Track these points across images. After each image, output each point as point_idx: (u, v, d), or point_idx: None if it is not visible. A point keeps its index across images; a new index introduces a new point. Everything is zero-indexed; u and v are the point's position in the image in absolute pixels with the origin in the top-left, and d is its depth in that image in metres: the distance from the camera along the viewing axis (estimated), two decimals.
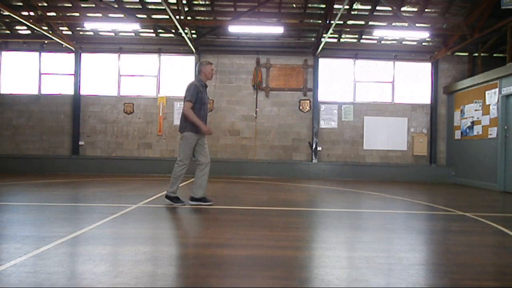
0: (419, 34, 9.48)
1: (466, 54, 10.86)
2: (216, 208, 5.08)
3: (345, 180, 10.32)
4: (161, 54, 11.19)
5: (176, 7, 9.29)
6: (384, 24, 10.03)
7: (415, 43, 10.97)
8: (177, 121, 11.03)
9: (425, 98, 11.10)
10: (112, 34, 10.95)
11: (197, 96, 4.84)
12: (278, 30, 9.54)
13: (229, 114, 11.11)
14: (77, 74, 11.07)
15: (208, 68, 5.01)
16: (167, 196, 5.08)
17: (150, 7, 9.86)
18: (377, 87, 11.15)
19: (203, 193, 5.10)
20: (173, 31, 10.49)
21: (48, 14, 9.81)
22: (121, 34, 10.98)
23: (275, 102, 11.09)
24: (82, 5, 9.77)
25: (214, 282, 2.26)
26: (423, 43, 10.96)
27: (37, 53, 11.16)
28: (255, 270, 2.50)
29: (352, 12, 9.87)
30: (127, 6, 9.86)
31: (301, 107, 11.06)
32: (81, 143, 11.05)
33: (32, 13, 9.78)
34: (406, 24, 9.66)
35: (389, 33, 9.91)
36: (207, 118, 5.12)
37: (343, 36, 10.96)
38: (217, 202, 5.59)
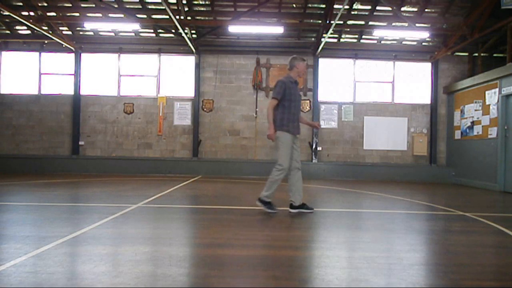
0: (419, 34, 9.48)
1: (466, 54, 10.87)
2: (216, 208, 5.08)
3: (345, 180, 10.32)
4: (161, 54, 11.19)
5: (176, 7, 9.29)
6: (384, 24, 10.04)
7: (415, 43, 10.97)
8: (177, 121, 11.06)
9: (425, 98, 11.10)
10: (112, 34, 10.95)
11: (284, 93, 4.51)
12: (278, 30, 9.54)
13: (229, 114, 11.11)
14: (77, 74, 11.07)
15: (302, 65, 4.65)
16: (260, 199, 4.65)
17: (150, 7, 9.86)
18: (377, 87, 11.15)
19: (301, 199, 4.71)
20: (173, 31, 10.50)
21: (48, 14, 9.81)
22: (121, 34, 10.98)
23: None
24: (82, 5, 9.77)
25: (214, 282, 2.26)
26: (423, 43, 10.96)
27: (37, 53, 11.16)
28: (255, 270, 2.50)
29: (352, 12, 9.87)
30: (127, 6, 9.86)
31: (301, 107, 11.04)
32: (81, 143, 11.05)
33: (32, 13, 9.78)
34: (406, 24, 9.66)
35: (389, 33, 9.91)
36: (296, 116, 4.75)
37: (343, 36, 10.96)
38: (217, 202, 5.59)
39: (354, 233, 3.77)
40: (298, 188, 4.63)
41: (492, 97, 8.85)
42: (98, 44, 11.14)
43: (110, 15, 9.99)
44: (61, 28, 10.55)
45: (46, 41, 10.87)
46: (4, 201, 5.20)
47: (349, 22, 10.16)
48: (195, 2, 9.72)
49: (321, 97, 11.05)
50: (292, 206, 4.68)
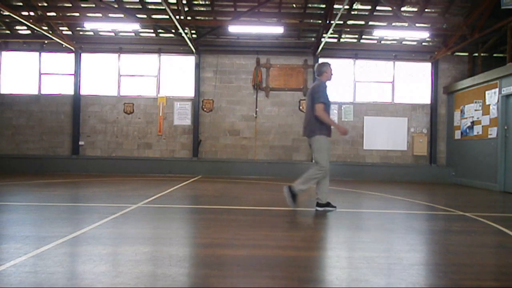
0: (419, 34, 9.48)
1: (466, 54, 10.87)
2: (216, 208, 5.08)
3: (345, 180, 10.32)
4: (161, 54, 11.19)
5: (176, 7, 9.29)
6: (384, 24, 10.04)
7: (415, 43, 10.97)
8: (177, 121, 11.06)
9: (425, 98, 11.10)
10: (112, 34, 10.95)
11: (327, 96, 4.77)
12: (278, 30, 9.54)
13: (229, 114, 11.11)
14: (77, 74, 11.07)
15: (330, 70, 4.91)
16: (290, 188, 4.88)
17: (150, 7, 9.86)
18: (377, 87, 11.15)
19: (327, 197, 4.96)
20: (173, 31, 10.50)
21: (48, 14, 9.81)
22: (121, 34, 10.98)
23: (275, 102, 11.09)
24: (82, 5, 9.77)
25: (214, 282, 2.26)
26: (423, 43, 10.96)
27: (37, 53, 11.16)
28: (255, 270, 2.50)
29: (352, 12, 9.87)
30: (127, 6, 9.86)
31: (301, 107, 11.06)
32: (81, 143, 11.05)
33: (32, 13, 9.78)
34: (406, 24, 9.66)
35: (389, 33, 9.90)
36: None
37: (343, 36, 10.96)
38: (217, 202, 5.59)
39: (354, 233, 3.77)
40: (324, 187, 4.86)
41: (492, 97, 8.85)
42: (98, 44, 11.14)
43: (110, 15, 9.99)
44: (61, 28, 10.55)
45: (46, 41, 10.87)
46: (4, 201, 5.20)
47: (349, 22, 10.15)
48: (195, 2, 9.72)
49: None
50: (318, 204, 4.93)
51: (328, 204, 4.94)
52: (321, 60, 11.01)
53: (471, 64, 10.80)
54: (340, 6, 8.42)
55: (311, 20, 10.14)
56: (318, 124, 4.77)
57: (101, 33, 10.94)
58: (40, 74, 11.17)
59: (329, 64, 4.93)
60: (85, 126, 11.11)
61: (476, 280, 2.43)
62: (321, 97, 4.71)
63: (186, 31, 9.74)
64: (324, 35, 9.91)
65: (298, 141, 11.01)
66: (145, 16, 10.03)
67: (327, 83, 4.92)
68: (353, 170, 10.77)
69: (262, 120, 11.01)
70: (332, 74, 4.94)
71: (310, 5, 9.70)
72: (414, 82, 11.16)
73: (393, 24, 9.98)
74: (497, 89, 8.66)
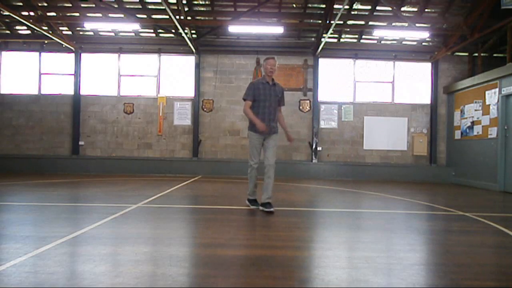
0: (419, 34, 9.48)
1: (466, 54, 10.87)
2: (216, 208, 5.08)
3: (345, 180, 10.32)
4: (161, 54, 11.19)
5: (176, 7, 9.29)
6: (384, 24, 10.03)
7: (415, 43, 10.97)
8: (177, 121, 11.06)
9: (425, 98, 11.10)
10: (112, 34, 10.95)
11: (252, 94, 4.82)
12: (278, 30, 9.54)
13: (229, 114, 11.11)
14: (77, 74, 11.07)
15: (265, 64, 4.82)
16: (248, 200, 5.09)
17: (150, 7, 9.86)
18: (377, 87, 11.15)
19: (267, 196, 4.72)
20: (173, 31, 10.50)
21: (48, 14, 9.81)
22: (121, 34, 10.98)
23: None
24: (82, 5, 9.76)
25: (214, 282, 2.26)
26: (423, 43, 10.96)
27: (37, 53, 11.16)
28: (255, 270, 2.50)
29: (352, 12, 9.87)
30: (127, 6, 9.86)
31: (301, 107, 11.06)
32: (81, 143, 11.05)
33: (32, 13, 9.79)
34: (406, 24, 9.66)
35: (389, 33, 9.90)
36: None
37: (343, 36, 10.95)
38: (217, 202, 5.59)
39: (354, 233, 3.77)
40: (267, 185, 4.70)
41: (492, 97, 8.85)
42: (98, 44, 11.14)
43: (110, 15, 9.99)
44: (61, 28, 10.55)
45: (46, 41, 10.87)
46: (4, 201, 5.20)
47: (349, 22, 10.15)
48: (195, 2, 9.72)
49: (321, 97, 11.05)
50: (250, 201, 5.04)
51: (252, 201, 4.99)
52: (321, 60, 11.04)
53: (471, 64, 10.80)
54: (340, 6, 8.42)
55: (311, 20, 10.14)
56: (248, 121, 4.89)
57: (101, 33, 10.94)
58: (40, 74, 11.17)
59: (267, 58, 4.82)
60: (85, 126, 11.10)
61: (476, 280, 2.43)
62: (244, 94, 4.88)
63: (186, 31, 9.74)
64: (324, 35, 9.91)
65: (298, 141, 11.01)
66: (145, 16, 10.03)
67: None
68: (353, 170, 10.77)
69: None
70: (266, 68, 4.77)
71: (310, 5, 9.70)
72: (414, 82, 11.16)
73: (393, 24, 9.98)
74: (497, 89, 8.66)
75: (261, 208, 4.75)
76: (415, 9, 9.64)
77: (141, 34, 11.06)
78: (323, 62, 11.11)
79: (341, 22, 9.91)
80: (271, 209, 4.63)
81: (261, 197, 4.75)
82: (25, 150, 11.07)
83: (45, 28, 10.03)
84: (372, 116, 11.03)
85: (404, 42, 10.97)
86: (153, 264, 2.62)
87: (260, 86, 4.82)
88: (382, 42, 10.99)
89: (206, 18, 10.31)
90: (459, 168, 10.32)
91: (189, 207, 5.36)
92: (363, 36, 10.88)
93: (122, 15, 9.86)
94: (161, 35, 11.03)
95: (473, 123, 9.62)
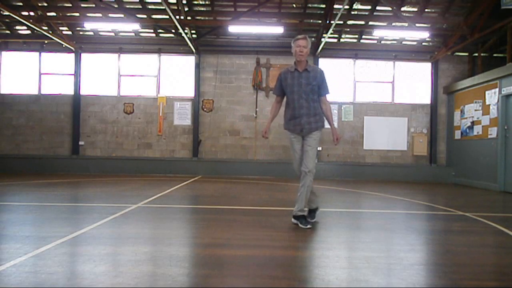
0: (419, 34, 9.48)
1: (466, 54, 10.86)
2: (216, 208, 5.08)
3: (345, 180, 10.32)
4: (161, 54, 11.18)
5: (176, 7, 9.29)
6: (384, 24, 10.03)
7: (415, 43, 10.96)
8: (177, 121, 11.05)
9: (425, 98, 11.09)
10: (112, 34, 10.95)
11: (280, 86, 4.25)
12: (278, 30, 9.54)
13: (229, 114, 11.11)
14: (77, 74, 11.06)
15: (293, 45, 4.21)
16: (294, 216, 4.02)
17: (150, 7, 9.86)
18: (377, 87, 11.15)
19: (299, 209, 3.91)
20: (173, 31, 10.49)
21: (48, 14, 9.81)
22: (121, 34, 10.98)
23: None
24: (82, 5, 9.76)
25: (214, 282, 2.26)
26: (423, 43, 10.96)
27: (37, 53, 11.15)
28: (255, 270, 2.50)
29: (352, 12, 9.87)
30: (127, 6, 9.85)
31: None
32: (81, 143, 11.05)
33: (32, 13, 9.78)
34: (406, 24, 9.66)
35: (389, 33, 9.91)
36: None
37: (343, 36, 10.95)
38: (217, 202, 5.59)
39: (354, 233, 3.77)
40: (299, 196, 3.91)
41: (492, 97, 8.85)
42: (98, 44, 11.14)
43: (110, 15, 9.99)
44: (61, 28, 10.54)
45: (46, 41, 10.87)
46: (4, 201, 5.20)
47: (349, 22, 10.15)
48: (195, 2, 9.71)
49: None
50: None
51: (300, 217, 3.94)
52: (321, 60, 11.04)
53: (471, 64, 10.80)
54: (340, 6, 8.41)
55: (311, 20, 10.14)
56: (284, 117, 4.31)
57: (101, 33, 10.94)
58: (40, 74, 11.16)
59: (296, 39, 4.22)
60: (85, 126, 11.10)
61: (476, 280, 2.43)
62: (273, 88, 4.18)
63: (186, 31, 9.74)
64: (324, 35, 9.91)
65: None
66: (145, 16, 10.03)
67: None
68: (353, 170, 10.77)
69: (262, 120, 11.00)
70: (296, 51, 4.19)
71: (310, 5, 9.70)
72: (414, 82, 11.16)
73: (393, 24, 9.98)
74: (497, 89, 8.65)
75: (293, 221, 3.99)
76: (415, 9, 9.64)
77: (141, 34, 11.06)
78: (323, 62, 11.10)
79: (341, 22, 9.90)
80: (307, 226, 3.79)
81: (294, 208, 3.99)
82: (25, 150, 11.07)
83: (45, 28, 10.02)
84: (372, 116, 11.02)
85: (404, 42, 10.97)
86: (153, 264, 2.62)
87: (288, 75, 4.08)
88: (382, 42, 10.99)
89: (206, 18, 10.31)
90: (459, 168, 10.31)
91: (189, 207, 5.36)
92: (363, 36, 10.87)
93: (122, 15, 9.85)
94: (161, 35, 11.03)
95: (473, 123, 9.62)
